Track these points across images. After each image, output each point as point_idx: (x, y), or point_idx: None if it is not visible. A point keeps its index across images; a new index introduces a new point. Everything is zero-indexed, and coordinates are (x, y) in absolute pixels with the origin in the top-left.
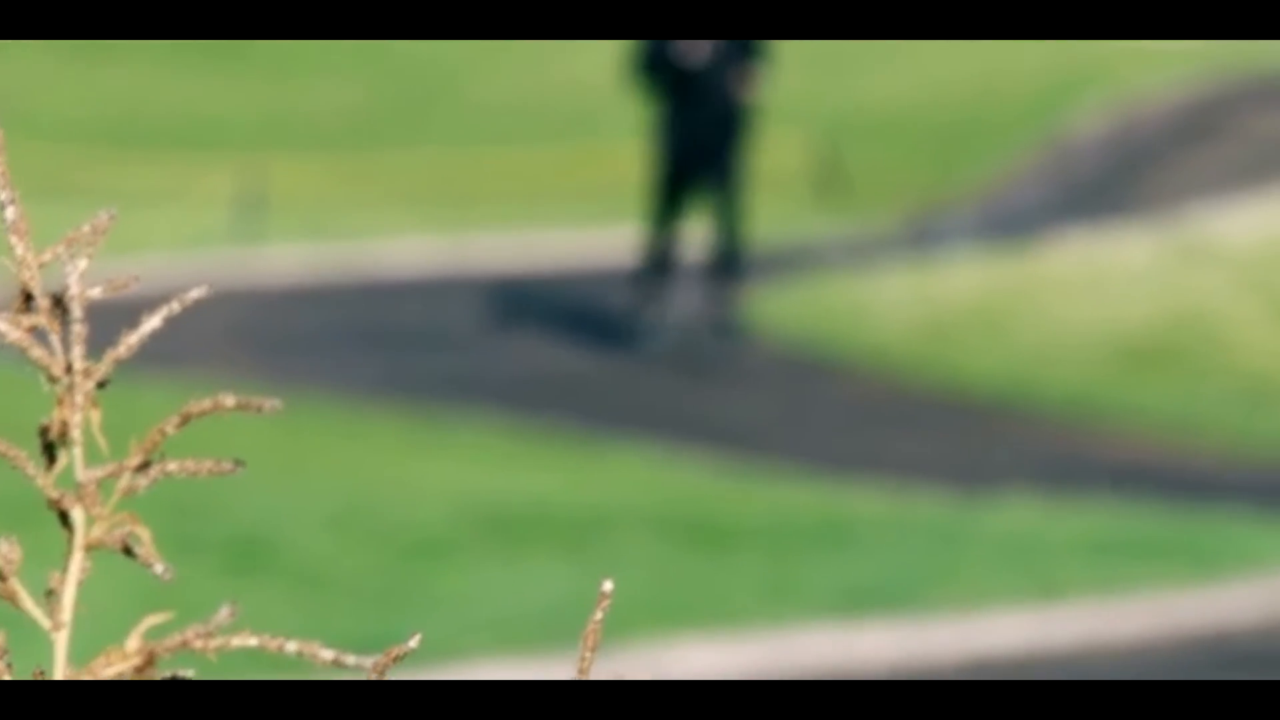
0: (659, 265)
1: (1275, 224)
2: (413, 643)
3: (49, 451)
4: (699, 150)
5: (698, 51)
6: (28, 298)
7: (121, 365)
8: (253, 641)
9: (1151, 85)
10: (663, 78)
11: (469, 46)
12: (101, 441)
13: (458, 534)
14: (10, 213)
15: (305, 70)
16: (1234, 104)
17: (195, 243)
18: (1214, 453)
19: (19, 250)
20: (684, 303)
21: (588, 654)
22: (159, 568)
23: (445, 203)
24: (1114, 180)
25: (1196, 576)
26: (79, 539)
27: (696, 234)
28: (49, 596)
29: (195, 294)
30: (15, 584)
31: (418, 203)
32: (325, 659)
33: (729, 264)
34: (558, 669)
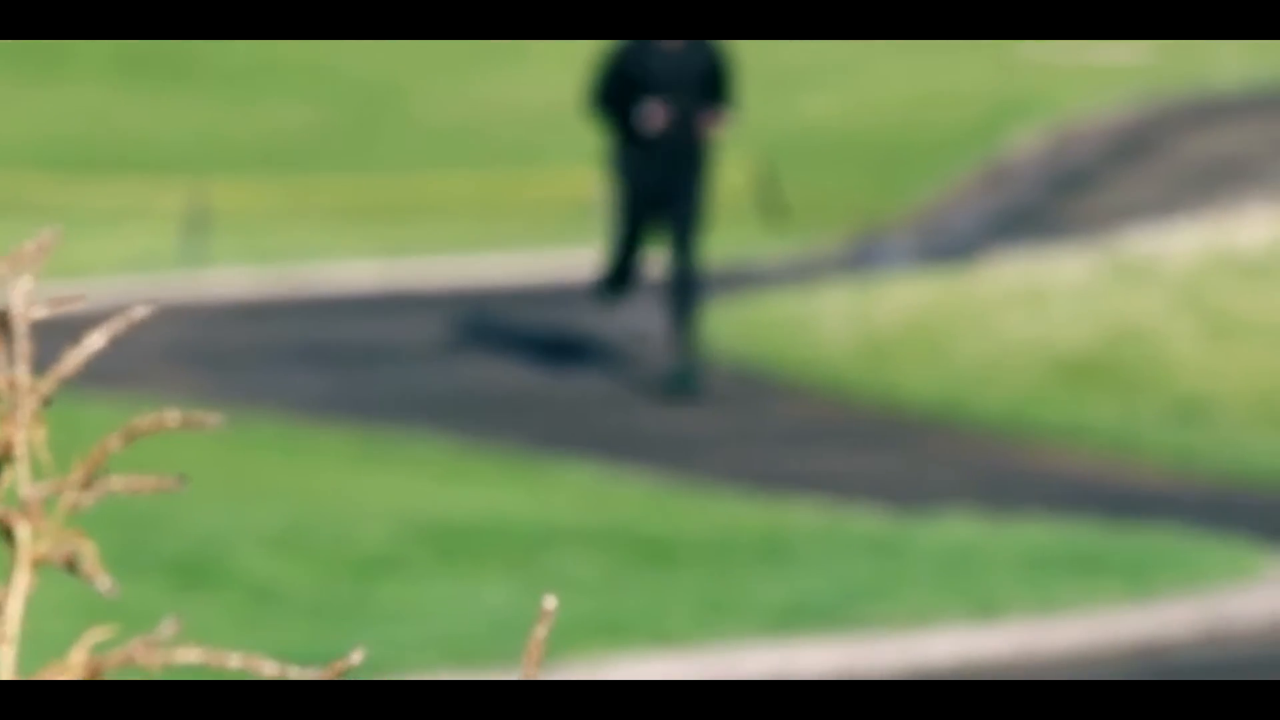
0: (620, 289)
1: (1210, 243)
2: (355, 658)
3: None
4: (661, 184)
5: (656, 119)
6: None
7: (66, 383)
8: (196, 656)
9: (1087, 107)
10: (623, 113)
11: (413, 68)
12: (46, 458)
13: (403, 550)
14: None
15: (251, 92)
16: (1169, 125)
17: (142, 263)
18: (1150, 470)
19: None
20: (637, 322)
21: (531, 669)
22: (103, 583)
23: (390, 222)
24: (1050, 200)
25: (1132, 592)
26: (24, 555)
27: (657, 263)
28: None
29: (139, 312)
30: None
31: (363, 222)
32: (269, 673)
33: (685, 298)
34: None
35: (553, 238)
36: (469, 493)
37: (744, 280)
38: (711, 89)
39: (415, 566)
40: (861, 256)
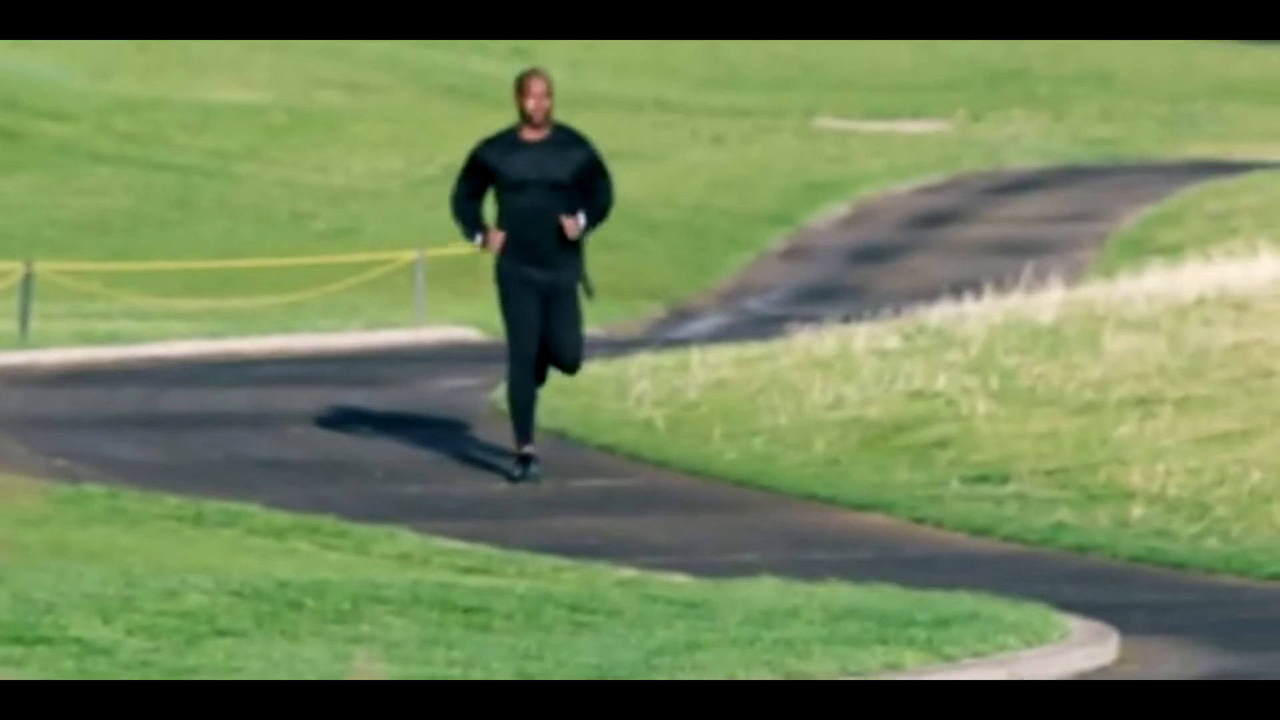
0: (528, 394)
1: (1006, 313)
2: None
3: None
4: (534, 266)
5: (494, 245)
6: None
7: None
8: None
9: (891, 184)
10: (472, 223)
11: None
12: None
13: (226, 616)
14: None
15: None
16: (965, 199)
17: None
18: (951, 533)
19: None
20: (454, 393)
21: None
22: None
23: (214, 295)
24: (852, 272)
25: (933, 655)
26: None
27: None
28: None
29: None
30: None
31: (187, 295)
32: None
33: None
34: None
35: (371, 310)
36: (290, 558)
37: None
38: (578, 189)
39: (239, 632)
40: (670, 329)
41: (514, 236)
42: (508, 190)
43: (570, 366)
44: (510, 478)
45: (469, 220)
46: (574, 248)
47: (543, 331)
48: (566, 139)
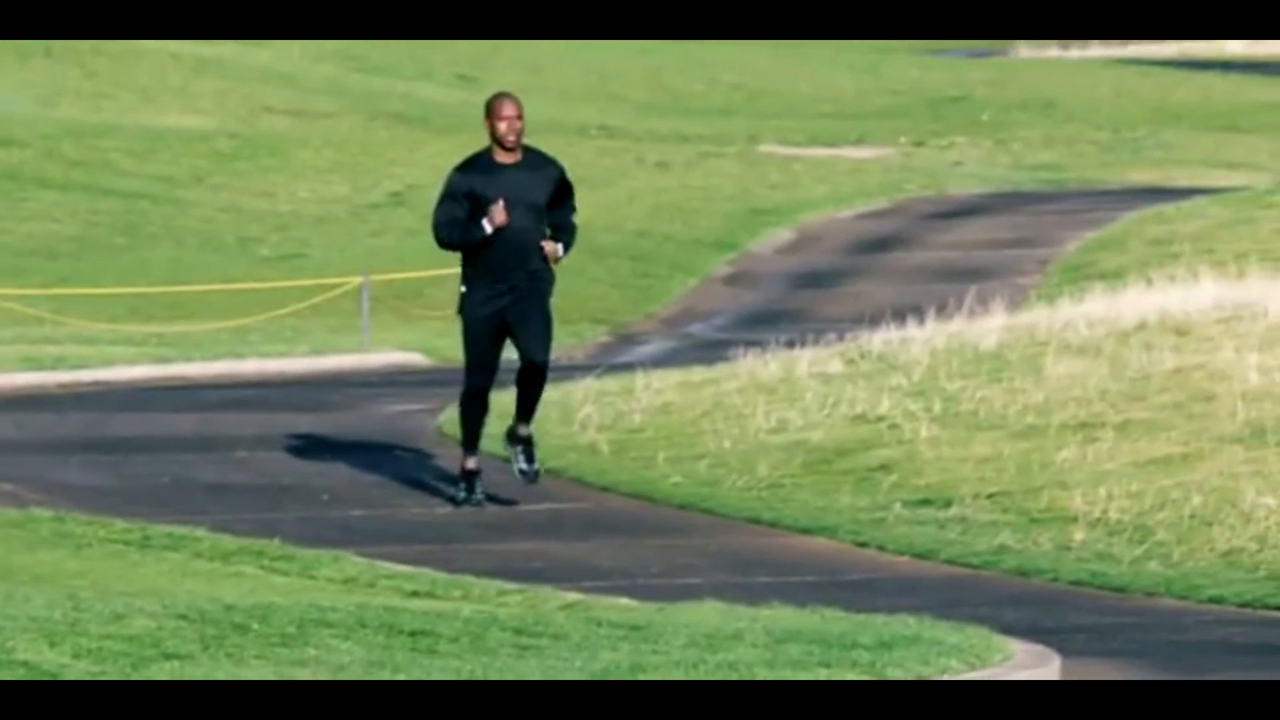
0: (478, 414)
1: (948, 337)
2: None
3: None
4: (509, 297)
5: (498, 216)
6: None
7: None
8: None
9: (834, 210)
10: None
11: (182, 175)
12: None
13: (172, 639)
14: None
15: (24, 195)
16: (909, 225)
17: None
18: (894, 556)
19: None
20: (400, 418)
21: None
22: None
23: (161, 320)
24: (796, 297)
25: (875, 677)
26: None
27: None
28: None
29: None
30: None
31: (134, 320)
32: None
33: (528, 398)
34: None
35: (317, 335)
36: (236, 582)
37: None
38: (552, 211)
39: (186, 655)
40: (615, 354)
41: (492, 260)
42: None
43: (537, 367)
44: (453, 500)
45: (463, 227)
46: (547, 265)
47: (510, 334)
48: (539, 160)
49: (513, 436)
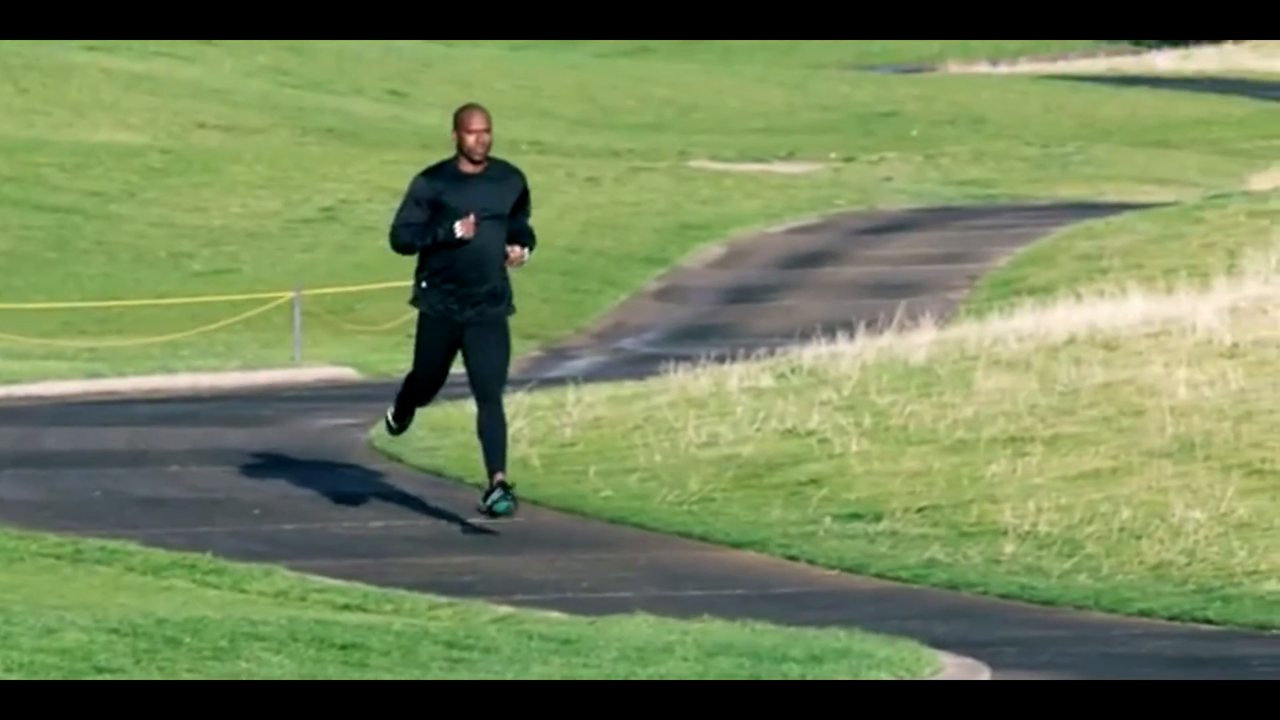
0: (401, 427)
1: (878, 352)
2: None
3: None
4: (467, 307)
5: (467, 228)
6: None
7: None
8: None
9: (764, 225)
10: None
11: (114, 190)
12: None
13: (104, 654)
14: None
15: None
16: (839, 240)
17: None
18: (824, 570)
19: None
20: (332, 431)
21: None
22: None
23: (92, 335)
24: (726, 312)
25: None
26: None
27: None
28: None
29: None
30: None
31: (66, 335)
32: None
33: (492, 432)
34: None
35: (249, 350)
36: (168, 596)
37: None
38: (514, 220)
39: (114, 666)
40: (546, 369)
41: (455, 270)
42: (453, 222)
43: (491, 394)
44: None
45: (422, 230)
46: (507, 280)
47: (465, 358)
48: (503, 170)
49: (491, 488)
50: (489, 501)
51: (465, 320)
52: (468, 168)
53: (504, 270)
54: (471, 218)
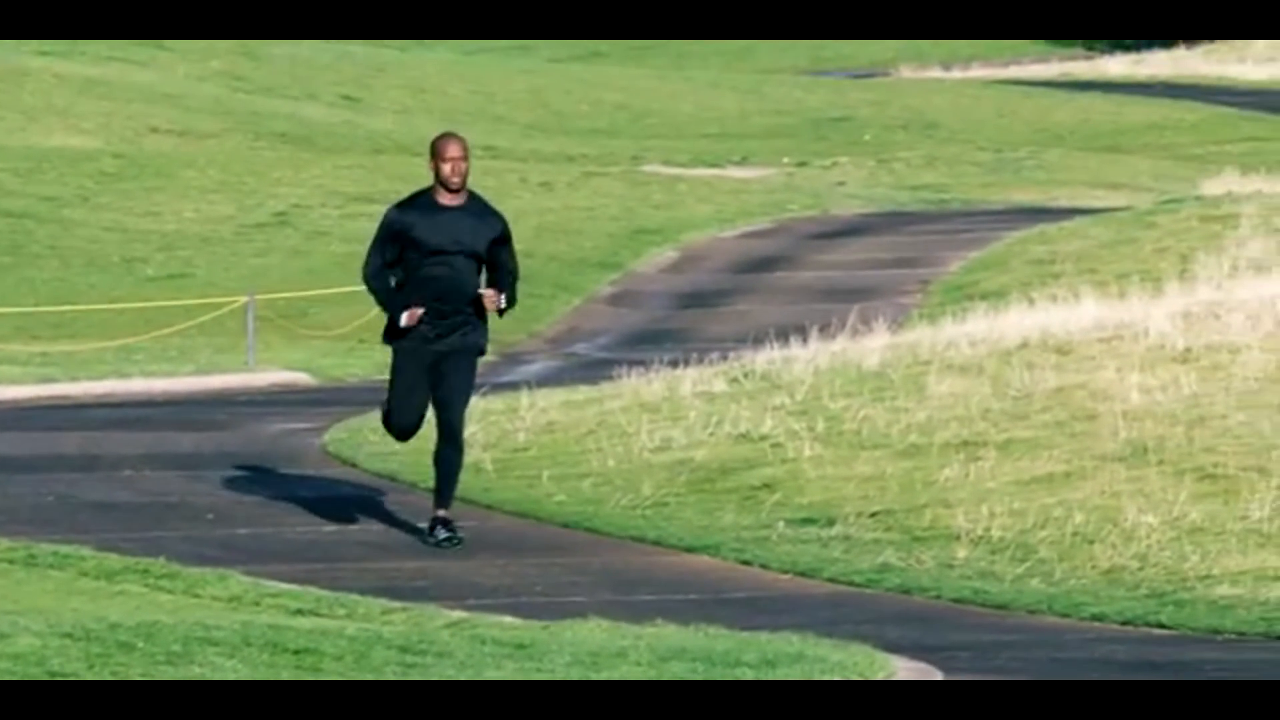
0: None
1: (831, 357)
2: None
3: None
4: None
5: (411, 319)
6: None
7: None
8: None
9: (717, 230)
10: (386, 295)
11: (68, 194)
12: None
13: (58, 658)
14: None
15: None
16: (791, 245)
17: None
18: (777, 574)
19: None
20: (285, 437)
21: None
22: None
23: (45, 339)
24: (679, 317)
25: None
26: None
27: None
28: None
29: None
30: None
31: (18, 339)
32: None
33: (448, 460)
34: None
35: (203, 354)
36: (121, 600)
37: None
38: (489, 260)
39: (67, 671)
40: (499, 374)
41: (428, 304)
42: (425, 256)
43: (457, 428)
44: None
45: (389, 293)
46: (483, 317)
47: (434, 387)
48: (482, 208)
49: (433, 523)
50: (436, 539)
51: (441, 349)
52: (445, 198)
53: (479, 308)
54: (420, 312)
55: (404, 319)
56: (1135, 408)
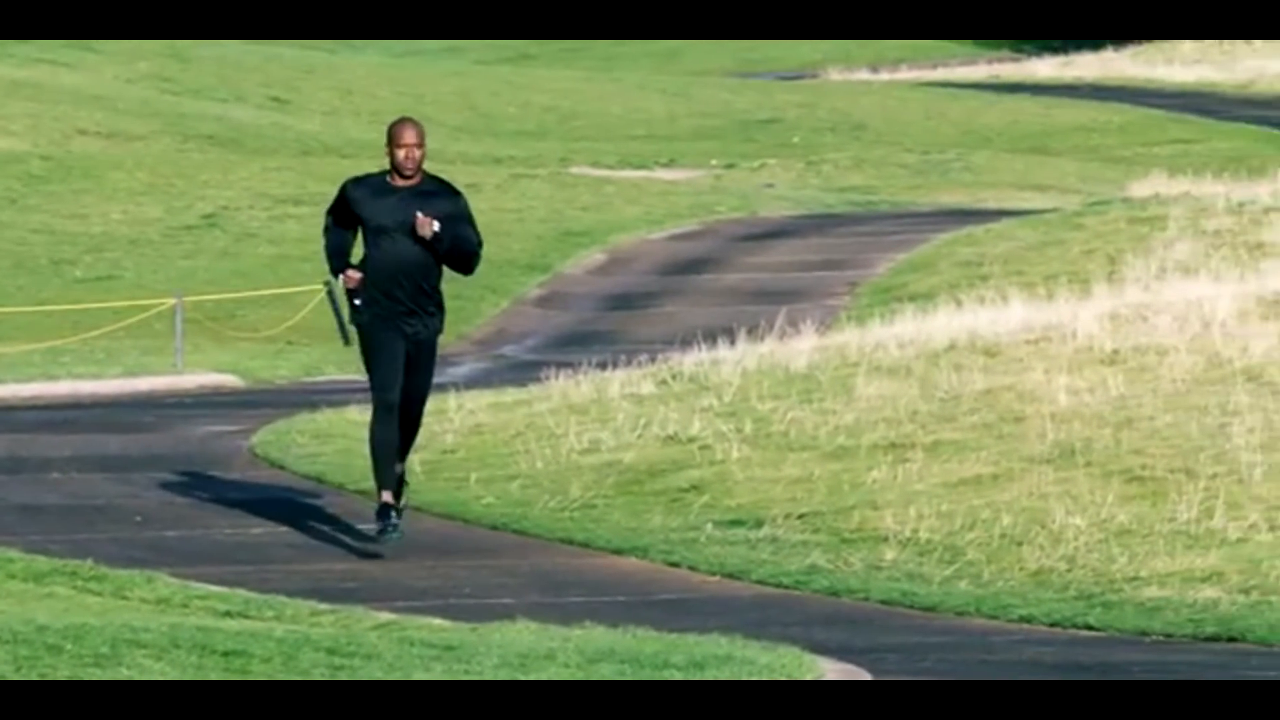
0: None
1: (759, 358)
2: None
3: None
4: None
5: (350, 283)
6: None
7: None
8: None
9: (645, 231)
10: (336, 259)
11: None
12: None
13: None
14: None
15: None
16: (720, 247)
17: None
18: (705, 576)
19: None
20: (213, 437)
21: None
22: None
23: None
24: (608, 319)
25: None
26: None
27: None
28: None
29: None
30: None
31: None
32: None
33: (403, 447)
34: None
35: (130, 357)
36: (49, 602)
37: (314, 397)
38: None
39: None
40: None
41: (378, 283)
42: (372, 234)
43: (414, 420)
44: (383, 531)
45: (334, 252)
46: (436, 301)
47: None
48: (435, 188)
49: (383, 508)
50: (381, 529)
51: (410, 334)
52: (398, 181)
53: (434, 287)
54: (359, 276)
55: (341, 280)
56: (1063, 409)
